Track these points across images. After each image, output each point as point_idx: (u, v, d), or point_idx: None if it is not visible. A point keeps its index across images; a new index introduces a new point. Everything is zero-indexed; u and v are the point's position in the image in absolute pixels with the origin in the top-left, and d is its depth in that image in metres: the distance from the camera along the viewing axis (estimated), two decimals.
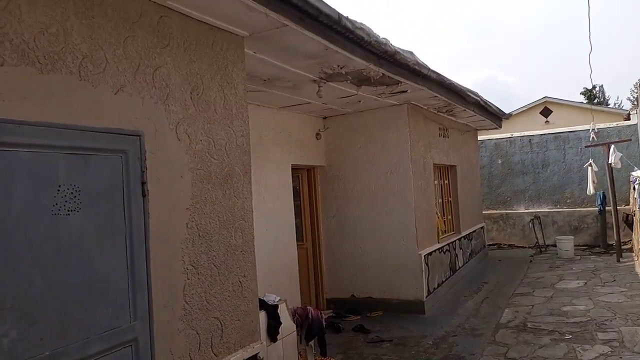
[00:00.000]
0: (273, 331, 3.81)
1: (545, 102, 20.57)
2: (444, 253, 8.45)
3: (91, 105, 2.50)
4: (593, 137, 11.36)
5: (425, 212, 7.81)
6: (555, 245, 11.84)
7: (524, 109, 20.66)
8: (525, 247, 12.91)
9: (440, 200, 9.20)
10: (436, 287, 7.75)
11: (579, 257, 10.96)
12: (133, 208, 2.68)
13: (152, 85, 2.85)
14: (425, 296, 7.19)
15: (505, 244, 13.45)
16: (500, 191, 13.73)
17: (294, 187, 7.55)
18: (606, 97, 39.45)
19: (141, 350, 2.67)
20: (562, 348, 5.29)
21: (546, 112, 20.46)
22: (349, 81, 5.47)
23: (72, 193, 2.37)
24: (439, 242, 8.26)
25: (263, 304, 3.88)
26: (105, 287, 2.50)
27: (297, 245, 7.49)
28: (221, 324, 3.26)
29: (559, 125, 15.67)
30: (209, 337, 3.13)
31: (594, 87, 41.97)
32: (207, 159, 3.25)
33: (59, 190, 2.31)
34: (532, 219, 12.76)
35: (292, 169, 7.19)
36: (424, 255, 7.38)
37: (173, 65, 3.01)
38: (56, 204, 2.30)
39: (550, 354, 5.14)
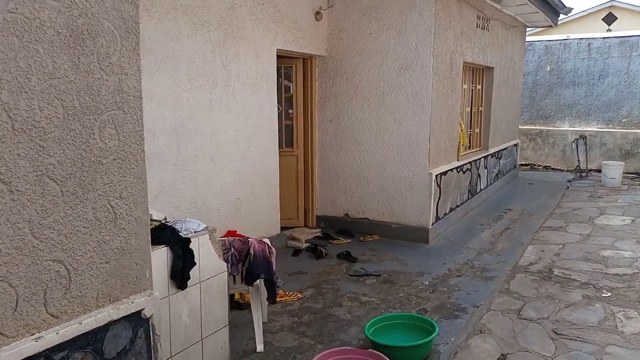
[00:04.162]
0: (179, 275, 2.65)
1: (611, 7, 17.55)
2: (464, 173, 7.05)
3: None
4: None
5: (446, 122, 6.31)
6: (599, 171, 10.21)
7: (584, 14, 17.69)
8: (564, 171, 11.33)
9: (468, 109, 7.62)
10: (447, 212, 6.47)
11: (626, 187, 9.37)
12: None
13: None
14: (431, 223, 5.94)
15: (540, 165, 11.87)
16: (544, 104, 11.83)
17: (285, 82, 6.13)
18: None
19: None
20: (597, 311, 4.02)
21: (610, 19, 17.50)
22: None
23: None
24: (458, 160, 6.83)
25: (171, 236, 2.69)
26: None
27: (286, 152, 6.24)
28: (67, 269, 2.07)
29: None
30: (38, 290, 1.97)
31: None
32: None
33: None
34: (577, 139, 11.00)
35: (280, 56, 5.70)
36: (437, 175, 6.01)
37: None
38: None
39: (579, 319, 3.88)
